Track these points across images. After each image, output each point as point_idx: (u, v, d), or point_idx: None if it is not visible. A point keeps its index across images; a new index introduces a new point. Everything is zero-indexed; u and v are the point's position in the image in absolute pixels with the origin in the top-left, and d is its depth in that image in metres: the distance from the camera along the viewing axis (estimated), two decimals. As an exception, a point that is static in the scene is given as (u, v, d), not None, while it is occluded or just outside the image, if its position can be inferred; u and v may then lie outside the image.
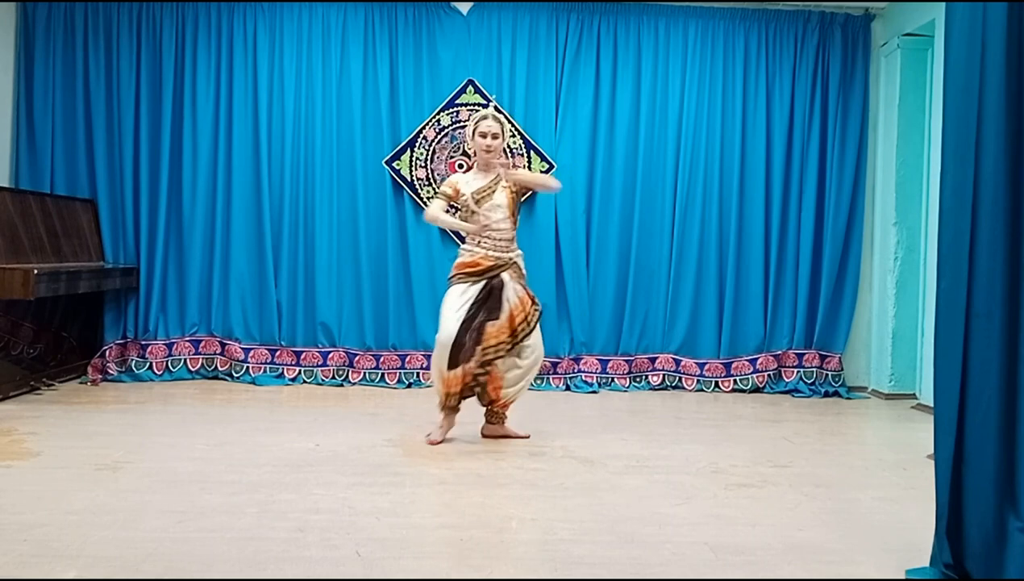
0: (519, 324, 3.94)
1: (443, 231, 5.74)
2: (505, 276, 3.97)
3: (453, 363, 3.89)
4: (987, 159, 2.27)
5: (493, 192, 4.01)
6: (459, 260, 4.04)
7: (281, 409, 4.87)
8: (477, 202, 3.98)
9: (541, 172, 5.63)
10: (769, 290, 5.88)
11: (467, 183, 4.08)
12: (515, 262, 4.03)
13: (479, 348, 3.89)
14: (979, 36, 2.29)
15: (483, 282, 3.95)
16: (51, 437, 3.94)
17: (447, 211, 4.15)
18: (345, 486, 3.25)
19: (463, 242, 4.09)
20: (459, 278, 3.98)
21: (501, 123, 4.07)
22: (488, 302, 3.94)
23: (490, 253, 3.97)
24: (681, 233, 5.83)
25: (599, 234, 5.81)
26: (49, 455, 3.62)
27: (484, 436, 4.11)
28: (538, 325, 4.05)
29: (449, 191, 4.11)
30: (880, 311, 5.92)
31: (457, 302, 3.92)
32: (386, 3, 5.73)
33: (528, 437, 4.12)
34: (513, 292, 3.96)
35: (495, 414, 4.11)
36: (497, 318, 3.92)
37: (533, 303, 4.03)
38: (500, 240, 3.99)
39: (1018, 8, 2.25)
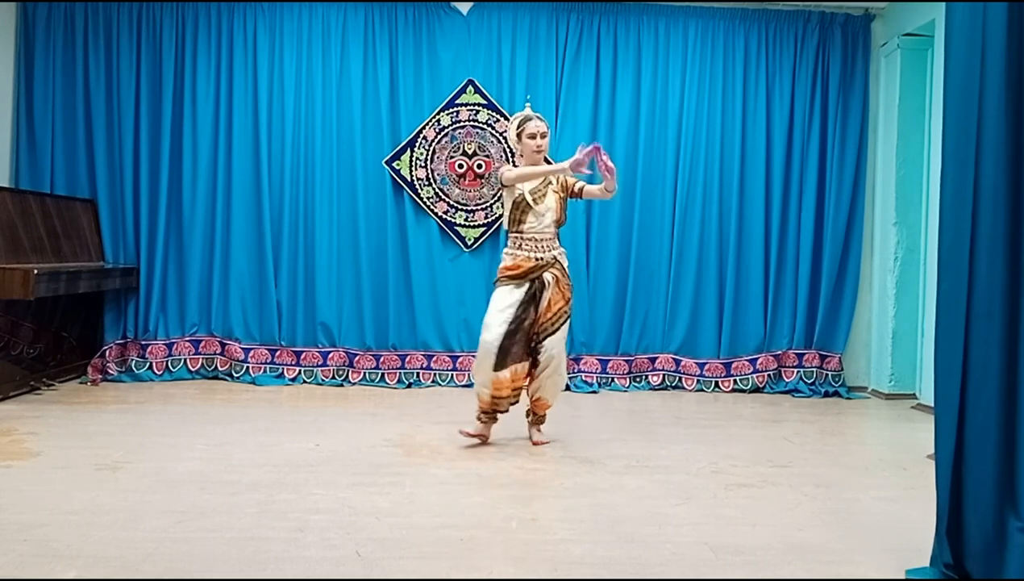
0: (543, 322, 3.95)
1: (442, 231, 5.74)
2: (548, 276, 3.97)
3: (501, 365, 3.87)
4: (987, 159, 2.27)
5: (545, 194, 4.00)
6: (501, 264, 4.03)
7: (281, 409, 4.87)
8: (535, 201, 3.95)
9: None
10: (769, 290, 5.88)
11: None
12: (558, 260, 4.01)
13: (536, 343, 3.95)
14: (979, 36, 2.29)
15: (527, 284, 3.94)
16: (51, 437, 3.94)
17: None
18: (345, 486, 3.25)
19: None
20: (503, 281, 3.97)
21: (544, 120, 4.08)
22: (534, 303, 3.94)
23: (531, 254, 3.96)
24: (681, 233, 5.83)
25: (599, 234, 5.81)
26: (49, 455, 3.62)
27: (535, 443, 4.07)
28: (564, 329, 4.01)
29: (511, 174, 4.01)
30: (880, 311, 5.92)
31: (503, 304, 3.91)
32: (386, 3, 5.73)
33: (544, 443, 4.06)
34: (552, 291, 3.96)
35: (535, 415, 4.12)
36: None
37: (566, 304, 4.00)
38: (542, 241, 3.98)
39: (1018, 8, 2.25)
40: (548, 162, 4.09)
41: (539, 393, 4.04)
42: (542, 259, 3.96)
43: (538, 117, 4.06)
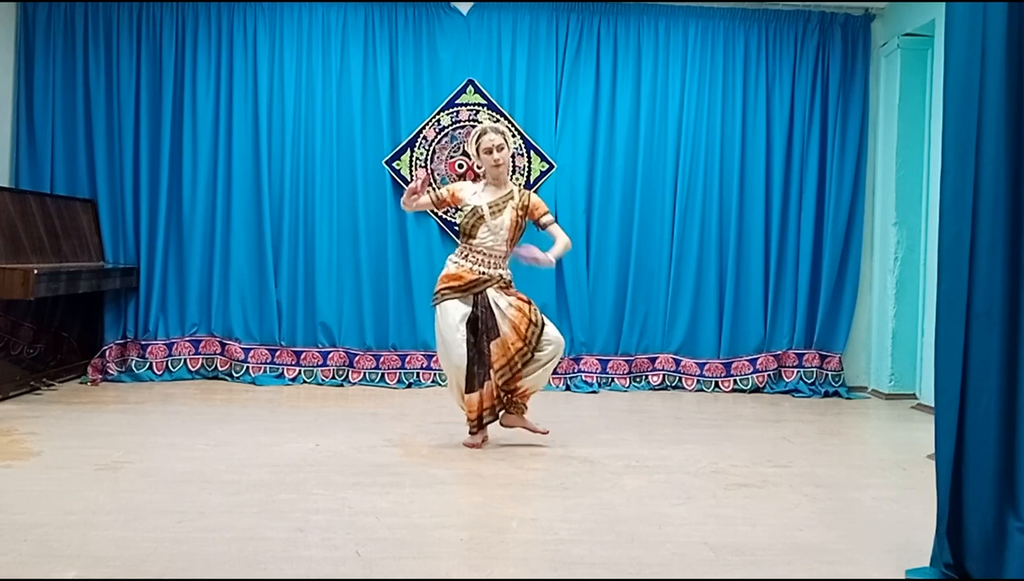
0: (527, 330, 3.87)
1: (442, 230, 5.74)
2: (490, 292, 3.89)
3: (471, 387, 3.85)
4: (987, 159, 2.27)
5: (503, 210, 3.93)
6: (443, 272, 3.96)
7: (281, 409, 4.87)
8: (492, 214, 3.90)
9: (541, 172, 5.66)
10: (769, 290, 5.88)
11: (476, 194, 3.98)
12: (502, 277, 3.94)
13: (492, 371, 3.85)
14: (979, 36, 2.29)
15: (469, 298, 3.87)
16: (51, 437, 3.94)
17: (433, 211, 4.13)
18: (345, 486, 3.25)
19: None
20: (445, 294, 3.89)
21: (502, 132, 3.98)
22: (481, 321, 3.86)
23: (476, 267, 3.90)
24: (681, 233, 5.83)
25: (599, 234, 5.81)
26: (49, 455, 3.62)
27: (503, 426, 4.05)
28: (545, 318, 3.98)
29: (444, 194, 3.99)
30: (880, 311, 5.92)
31: (454, 321, 3.84)
32: (386, 3, 5.73)
33: (547, 433, 4.05)
34: (507, 304, 3.88)
35: (515, 404, 4.02)
36: (497, 335, 3.85)
37: (529, 304, 3.95)
38: (491, 257, 3.92)
39: (1018, 8, 2.25)
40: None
41: (531, 385, 3.97)
42: (485, 274, 3.90)
43: (494, 130, 3.97)
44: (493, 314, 3.87)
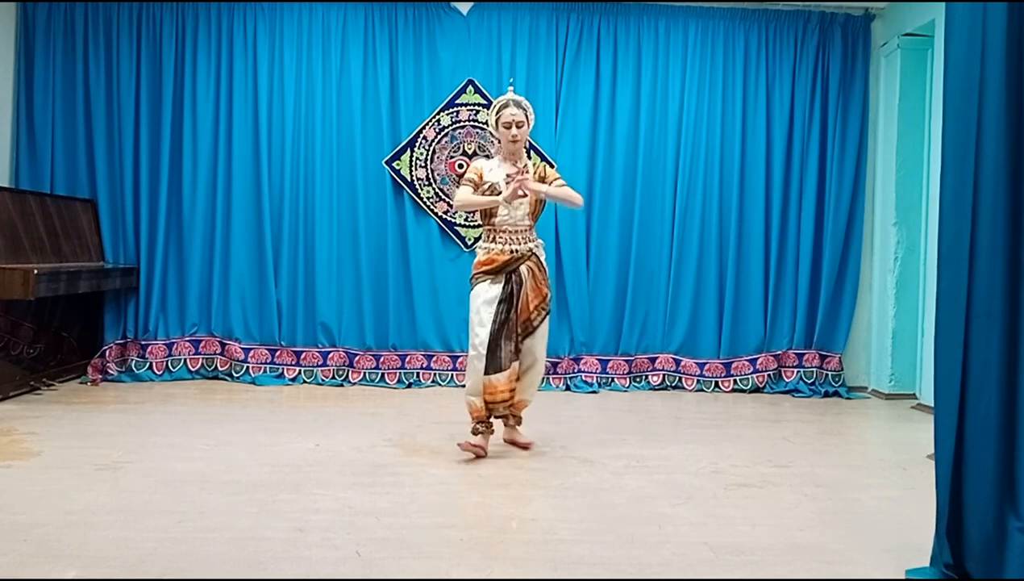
0: (524, 322, 3.80)
1: (442, 230, 5.74)
2: (524, 270, 3.81)
3: (495, 368, 3.71)
4: (987, 159, 2.27)
5: None
6: (476, 259, 3.89)
7: (281, 409, 4.87)
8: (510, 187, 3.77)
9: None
10: (769, 290, 5.88)
11: (491, 170, 3.88)
12: (534, 253, 3.85)
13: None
14: (979, 36, 2.29)
15: (503, 279, 3.78)
16: (51, 437, 3.94)
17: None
18: (345, 486, 3.25)
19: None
20: (479, 278, 3.82)
21: (524, 107, 3.88)
22: (515, 296, 3.78)
23: (506, 247, 3.80)
24: (681, 233, 5.83)
25: (599, 234, 5.81)
26: (49, 455, 3.62)
27: (506, 441, 4.01)
28: (544, 327, 3.88)
29: (475, 177, 3.87)
30: (880, 311, 5.92)
31: (483, 304, 3.76)
32: (386, 3, 5.73)
33: (529, 446, 3.96)
34: (528, 287, 3.80)
35: (514, 416, 3.97)
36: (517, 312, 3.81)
37: (542, 300, 3.85)
38: (517, 233, 3.83)
39: (1018, 8, 2.25)
40: (528, 152, 3.96)
41: (520, 395, 3.92)
42: (517, 251, 3.80)
43: (516, 103, 3.86)
44: (518, 292, 3.79)
